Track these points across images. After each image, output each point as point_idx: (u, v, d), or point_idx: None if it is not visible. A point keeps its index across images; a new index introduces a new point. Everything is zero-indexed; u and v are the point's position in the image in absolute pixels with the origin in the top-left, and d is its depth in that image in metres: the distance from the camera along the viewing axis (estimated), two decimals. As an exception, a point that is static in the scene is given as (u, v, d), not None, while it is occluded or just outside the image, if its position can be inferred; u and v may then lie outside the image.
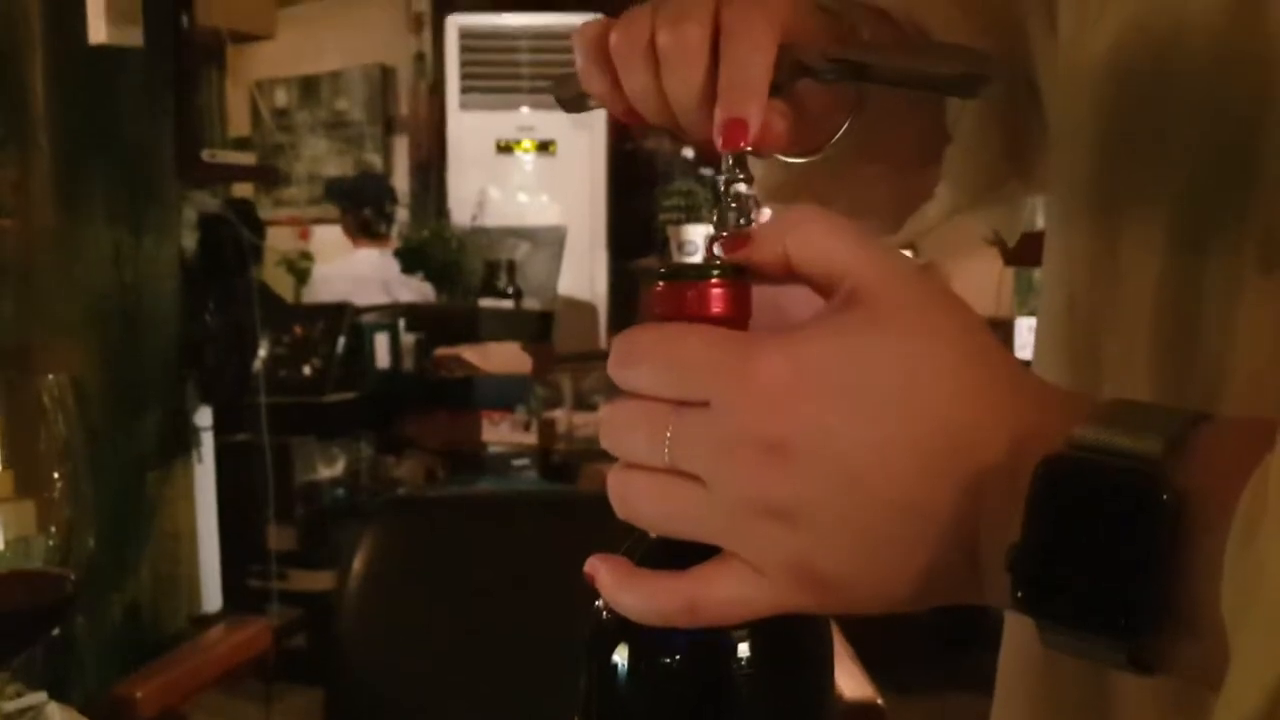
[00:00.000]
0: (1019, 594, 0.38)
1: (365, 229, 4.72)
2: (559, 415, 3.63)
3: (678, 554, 0.43)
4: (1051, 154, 0.67)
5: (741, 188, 0.51)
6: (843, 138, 0.60)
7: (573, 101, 0.61)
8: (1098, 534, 0.37)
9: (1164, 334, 0.56)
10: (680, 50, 0.53)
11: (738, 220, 0.52)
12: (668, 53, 0.54)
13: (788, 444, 0.40)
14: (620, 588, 0.43)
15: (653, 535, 0.44)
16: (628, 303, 5.45)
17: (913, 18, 0.68)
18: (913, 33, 0.67)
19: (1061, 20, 0.64)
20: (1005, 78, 0.68)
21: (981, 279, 4.40)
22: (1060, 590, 0.38)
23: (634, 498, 0.43)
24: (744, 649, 0.44)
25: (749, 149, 0.51)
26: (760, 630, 0.43)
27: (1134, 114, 0.59)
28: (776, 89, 0.53)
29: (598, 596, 0.44)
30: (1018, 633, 0.68)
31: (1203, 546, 0.35)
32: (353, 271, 4.58)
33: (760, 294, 0.45)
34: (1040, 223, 0.72)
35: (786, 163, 0.64)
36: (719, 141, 0.51)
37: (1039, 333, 0.69)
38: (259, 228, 2.73)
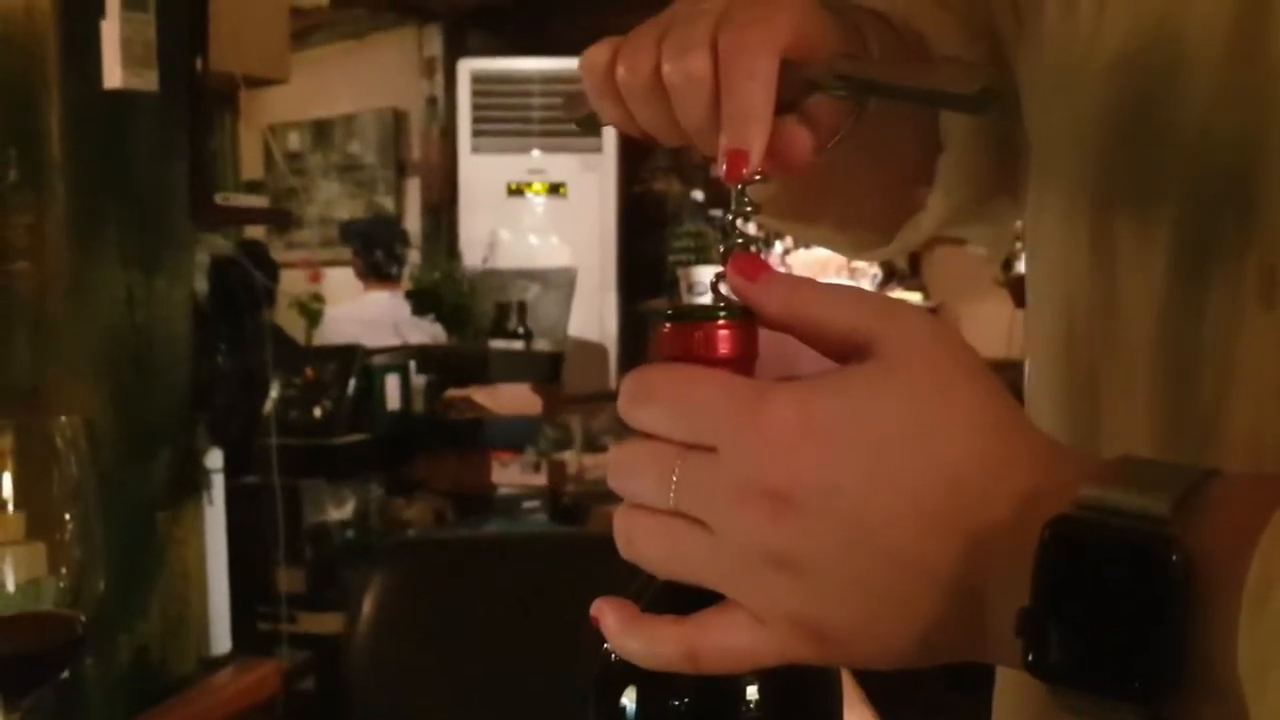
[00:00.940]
0: (1030, 658, 0.38)
1: (377, 271, 4.73)
2: (568, 457, 3.62)
3: (684, 598, 0.43)
4: (1041, 182, 0.67)
5: (752, 228, 0.51)
6: (842, 140, 0.58)
7: (585, 121, 0.60)
8: (1108, 597, 0.37)
9: (1163, 366, 0.56)
10: (686, 82, 0.52)
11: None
12: (674, 85, 0.53)
13: (793, 495, 0.40)
14: (624, 632, 0.43)
15: (658, 578, 0.44)
16: (638, 344, 5.45)
17: (910, 24, 0.67)
18: (910, 38, 0.67)
19: (1045, 49, 0.64)
20: (1013, 95, 0.67)
21: (992, 321, 4.40)
22: (1072, 655, 0.37)
23: (638, 539, 0.43)
24: (750, 694, 0.43)
25: (759, 177, 0.51)
26: (767, 676, 0.43)
27: (1132, 145, 0.58)
28: (790, 107, 0.52)
29: (605, 639, 0.44)
30: (1011, 674, 0.67)
31: (1216, 607, 0.35)
32: (364, 314, 4.59)
33: (764, 335, 0.45)
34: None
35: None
36: (722, 172, 0.51)
37: (1031, 366, 0.68)
38: (273, 270, 2.75)
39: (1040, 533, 0.38)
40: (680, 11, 0.54)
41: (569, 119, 0.62)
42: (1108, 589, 0.37)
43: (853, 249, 0.78)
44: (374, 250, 4.74)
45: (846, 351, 0.43)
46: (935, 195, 0.70)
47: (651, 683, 0.44)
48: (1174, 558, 0.36)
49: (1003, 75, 0.57)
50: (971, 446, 0.41)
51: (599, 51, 0.56)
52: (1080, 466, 0.40)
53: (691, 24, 0.53)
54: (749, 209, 0.51)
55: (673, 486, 0.42)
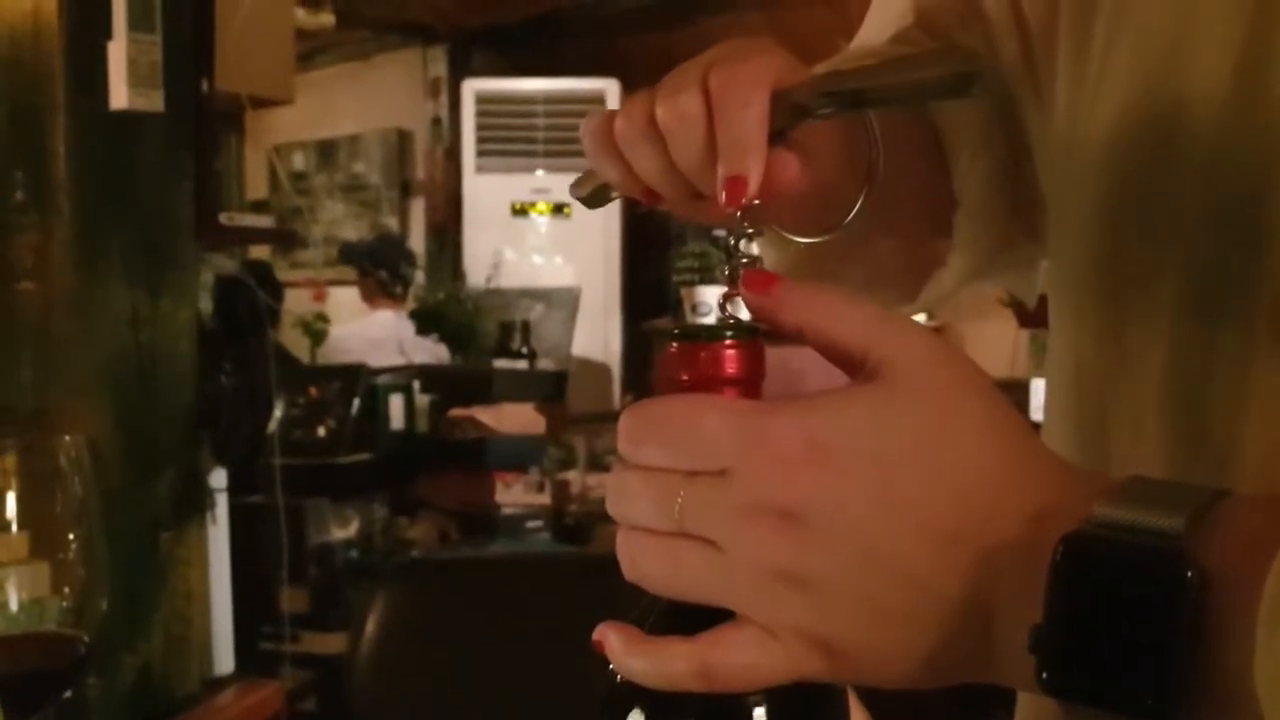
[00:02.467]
0: (1043, 675, 0.38)
1: (382, 289, 4.74)
2: (572, 476, 3.62)
3: (688, 621, 0.42)
4: (1054, 224, 0.67)
5: (754, 248, 0.51)
6: (859, 213, 0.60)
7: (592, 197, 0.62)
8: (1123, 614, 0.37)
9: (1174, 405, 0.56)
10: (679, 121, 0.54)
11: None
12: (668, 126, 0.55)
13: (802, 513, 0.40)
14: (630, 653, 0.43)
15: (662, 600, 0.44)
16: (642, 363, 5.45)
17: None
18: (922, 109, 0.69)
19: (1058, 92, 0.65)
20: (993, 76, 0.68)
21: (997, 341, 4.40)
22: (1086, 671, 0.37)
23: (642, 559, 0.43)
24: (758, 715, 0.43)
25: (756, 201, 0.52)
26: (774, 695, 0.43)
27: (1139, 187, 0.59)
28: (779, 135, 0.53)
29: (609, 663, 0.44)
30: (1031, 702, 0.67)
31: (1231, 624, 0.35)
32: (369, 332, 4.60)
33: (770, 355, 0.45)
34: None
35: (798, 245, 0.64)
36: (721, 200, 0.52)
37: (1047, 401, 0.69)
38: (277, 290, 2.75)
39: (1053, 550, 0.38)
40: (673, 72, 0.57)
41: (577, 197, 0.64)
42: (1122, 605, 0.37)
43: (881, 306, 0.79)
44: (379, 269, 4.75)
45: (855, 367, 0.43)
46: (955, 253, 0.71)
47: (659, 704, 0.43)
48: (1189, 574, 0.36)
49: (978, 55, 0.58)
50: (978, 466, 0.41)
51: (598, 117, 0.59)
52: (1089, 486, 0.40)
53: (683, 72, 0.55)
54: (750, 233, 0.51)
55: (677, 508, 0.42)
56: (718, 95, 0.53)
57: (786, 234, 0.63)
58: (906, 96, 0.53)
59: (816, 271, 0.70)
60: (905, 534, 0.40)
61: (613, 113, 0.58)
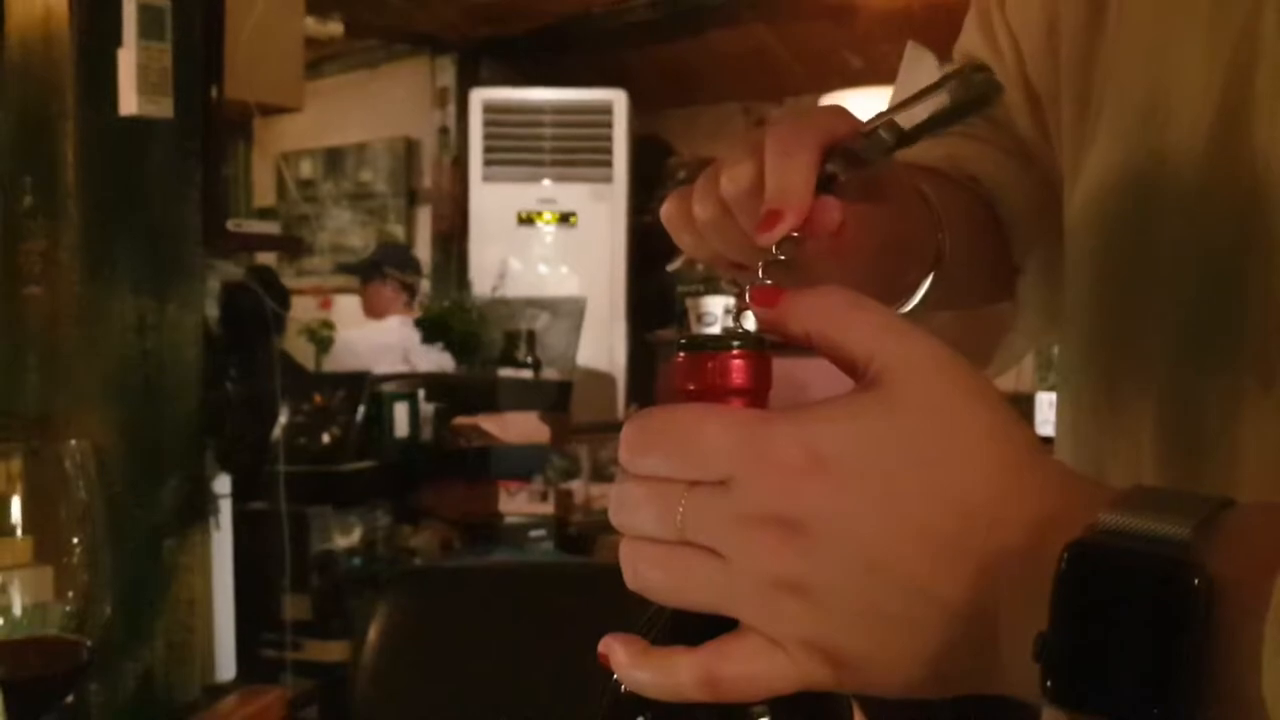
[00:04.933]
0: (1048, 684, 0.38)
1: (400, 291, 4.75)
2: (576, 486, 3.62)
3: (692, 631, 0.42)
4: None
5: (768, 283, 0.51)
6: (928, 293, 0.63)
7: (688, 267, 0.67)
8: (1129, 621, 0.36)
9: (1167, 457, 0.57)
10: (738, 191, 0.58)
11: None
12: (730, 197, 0.59)
13: (803, 524, 0.40)
14: (635, 665, 0.43)
15: (666, 611, 0.44)
16: (647, 374, 5.45)
17: (963, 168, 0.72)
18: (964, 180, 0.72)
19: (1064, 156, 0.66)
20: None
21: (1001, 353, 4.39)
22: (1092, 680, 0.37)
23: (644, 568, 0.43)
24: (760, 726, 0.43)
25: (795, 234, 0.53)
26: (779, 704, 0.43)
27: (1125, 241, 0.60)
28: (831, 181, 0.56)
29: (613, 674, 0.44)
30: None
31: (1238, 632, 0.35)
32: (375, 338, 4.60)
33: (777, 366, 0.45)
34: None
35: None
36: (758, 233, 0.54)
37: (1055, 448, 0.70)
38: (283, 296, 2.75)
39: (1059, 557, 0.38)
40: (736, 144, 0.60)
41: (672, 270, 0.69)
42: (1128, 613, 0.37)
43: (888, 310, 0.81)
44: (385, 278, 4.76)
45: (858, 373, 0.43)
46: (1023, 315, 0.74)
47: (664, 714, 0.43)
48: (1196, 581, 0.36)
49: (985, 65, 0.61)
50: (980, 474, 0.41)
51: (675, 197, 0.63)
52: (1092, 494, 0.40)
53: (742, 142, 0.59)
54: (781, 257, 0.53)
55: (679, 517, 0.42)
56: (766, 151, 0.56)
57: None
58: (943, 125, 0.55)
59: None
60: (907, 542, 0.40)
61: (689, 194, 0.61)
